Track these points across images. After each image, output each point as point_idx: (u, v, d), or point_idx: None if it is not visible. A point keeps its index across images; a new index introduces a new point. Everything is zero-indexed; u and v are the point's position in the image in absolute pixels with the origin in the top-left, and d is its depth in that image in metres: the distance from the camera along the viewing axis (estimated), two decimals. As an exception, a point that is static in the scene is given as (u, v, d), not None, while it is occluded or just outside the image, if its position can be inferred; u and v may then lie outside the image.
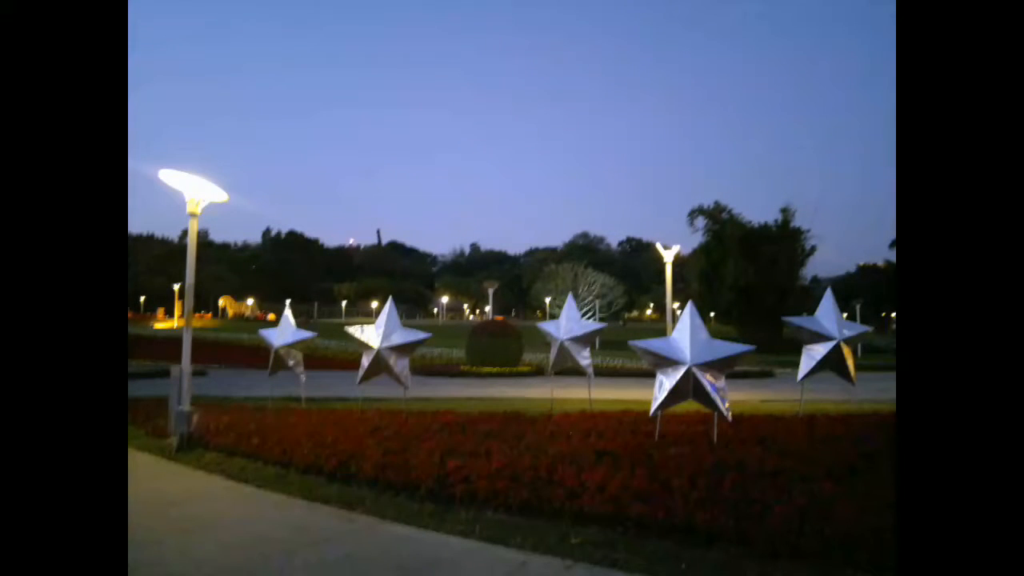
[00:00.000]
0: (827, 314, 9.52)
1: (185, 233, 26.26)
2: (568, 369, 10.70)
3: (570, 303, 10.61)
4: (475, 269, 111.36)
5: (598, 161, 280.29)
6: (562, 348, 9.96)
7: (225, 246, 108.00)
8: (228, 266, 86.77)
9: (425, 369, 19.02)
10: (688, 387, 7.06)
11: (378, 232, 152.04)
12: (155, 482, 6.08)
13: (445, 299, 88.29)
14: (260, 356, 18.66)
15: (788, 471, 5.54)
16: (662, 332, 15.40)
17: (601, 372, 15.68)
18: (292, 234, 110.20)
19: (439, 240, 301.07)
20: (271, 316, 63.84)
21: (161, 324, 54.22)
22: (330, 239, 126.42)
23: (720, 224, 37.35)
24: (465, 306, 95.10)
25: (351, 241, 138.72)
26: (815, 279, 45.94)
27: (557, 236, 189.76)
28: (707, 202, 39.36)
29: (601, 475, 5.29)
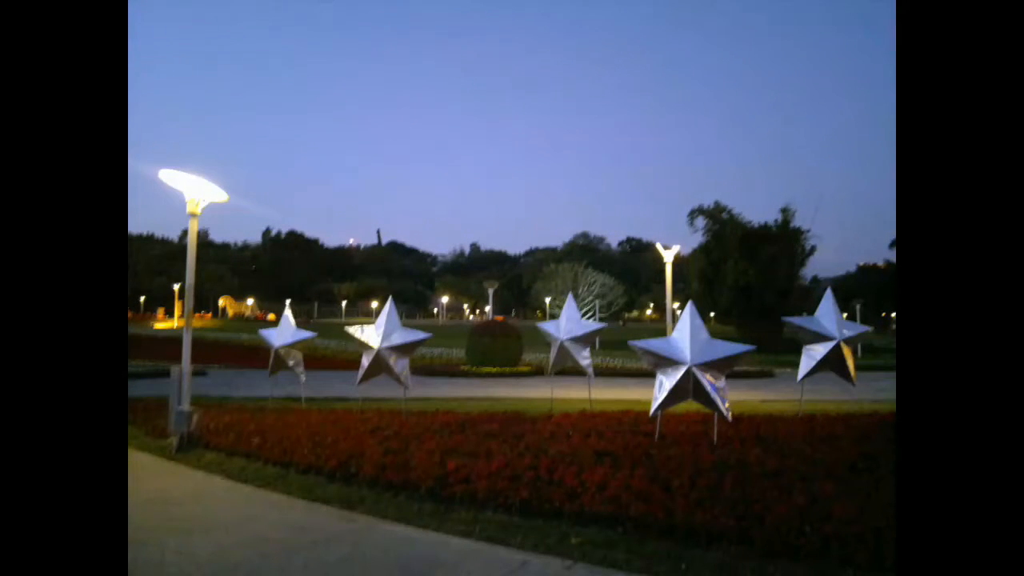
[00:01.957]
0: (827, 314, 9.51)
1: (185, 233, 26.24)
2: (568, 369, 10.70)
3: (570, 303, 10.61)
4: (475, 269, 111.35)
5: (598, 161, 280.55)
6: (562, 348, 9.96)
7: (225, 246, 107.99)
8: (228, 266, 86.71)
9: (425, 369, 18.98)
10: (688, 387, 7.06)
11: (378, 232, 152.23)
12: (155, 482, 6.08)
13: (445, 299, 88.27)
14: (260, 356, 18.65)
15: (788, 471, 5.55)
16: (662, 332, 15.38)
17: (601, 372, 15.66)
18: (292, 234, 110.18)
19: (439, 240, 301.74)
20: (271, 316, 63.82)
21: (161, 324, 54.19)
22: (330, 239, 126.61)
23: (720, 224, 37.22)
24: (465, 306, 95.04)
25: (351, 241, 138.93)
26: (815, 279, 45.85)
27: (557, 236, 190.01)
28: (707, 202, 39.26)
29: (601, 475, 5.29)
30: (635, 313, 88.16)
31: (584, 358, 10.02)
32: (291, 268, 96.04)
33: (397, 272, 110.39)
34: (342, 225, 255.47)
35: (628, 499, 4.74)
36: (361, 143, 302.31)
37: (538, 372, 18.36)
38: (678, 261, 19.74)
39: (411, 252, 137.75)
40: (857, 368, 9.87)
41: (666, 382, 7.17)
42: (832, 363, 9.38)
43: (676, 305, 32.50)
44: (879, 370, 19.51)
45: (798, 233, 34.66)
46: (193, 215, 8.36)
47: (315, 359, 19.66)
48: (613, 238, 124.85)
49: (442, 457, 6.08)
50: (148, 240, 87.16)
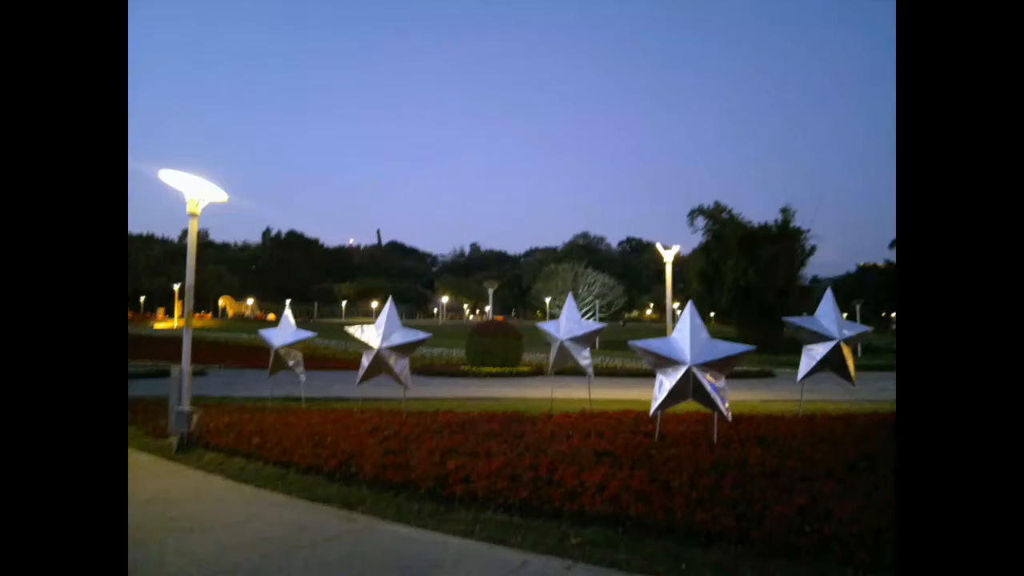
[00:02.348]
0: (827, 314, 9.52)
1: (185, 233, 26.22)
2: (568, 369, 10.70)
3: (570, 303, 10.61)
4: (475, 269, 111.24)
5: (598, 161, 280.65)
6: (562, 348, 9.96)
7: (225, 246, 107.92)
8: (228, 266, 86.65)
9: (425, 369, 18.97)
10: (688, 387, 7.06)
11: (378, 232, 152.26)
12: (155, 482, 6.08)
13: (445, 299, 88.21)
14: (260, 356, 18.64)
15: (788, 471, 5.55)
16: (662, 332, 15.38)
17: (601, 372, 15.65)
18: (292, 234, 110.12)
19: (439, 240, 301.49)
20: (271, 316, 63.79)
21: (161, 324, 54.12)
22: (330, 239, 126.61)
23: (720, 224, 37.23)
24: (465, 306, 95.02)
25: (351, 241, 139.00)
26: (815, 279, 45.85)
27: (557, 236, 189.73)
28: (707, 202, 39.27)
29: (601, 475, 5.30)
30: (635, 313, 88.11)
31: (584, 358, 10.02)
32: (291, 268, 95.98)
33: (397, 272, 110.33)
34: (342, 225, 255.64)
35: (628, 499, 4.74)
36: (361, 143, 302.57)
37: (538, 372, 18.36)
38: (678, 261, 19.73)
39: (411, 252, 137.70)
40: (857, 368, 9.88)
41: (666, 382, 7.17)
42: (832, 363, 9.38)
43: (676, 305, 32.50)
44: (879, 370, 19.51)
45: (798, 233, 34.64)
46: (193, 215, 8.36)
47: (315, 359, 19.66)
48: (613, 238, 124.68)
49: (442, 457, 6.08)
50: (148, 240, 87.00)
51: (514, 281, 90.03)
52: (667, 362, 7.17)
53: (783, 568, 3.76)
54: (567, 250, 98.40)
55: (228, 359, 23.26)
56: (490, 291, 42.52)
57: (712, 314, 37.74)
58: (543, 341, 11.05)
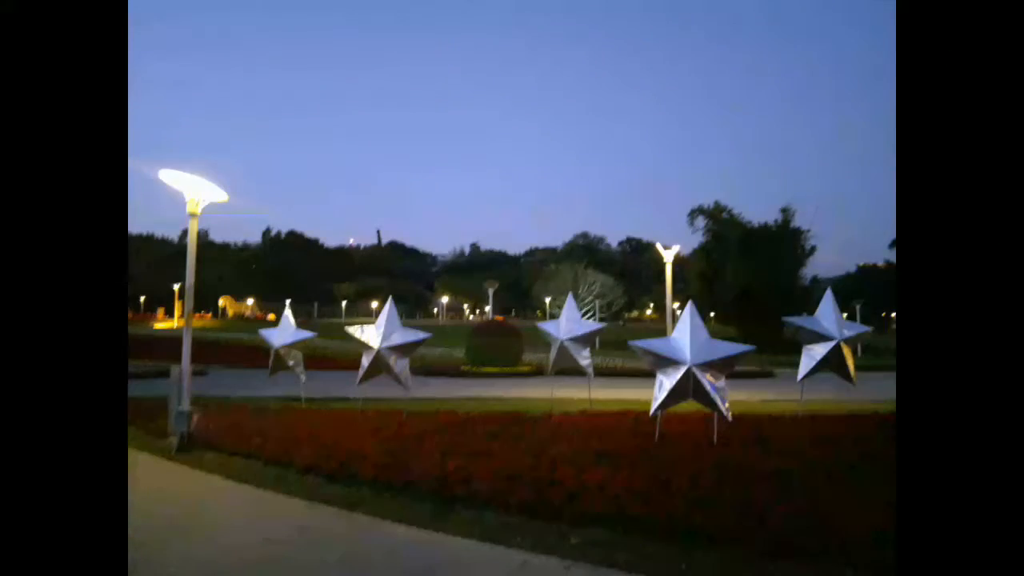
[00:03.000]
0: (827, 314, 9.52)
1: (185, 233, 26.23)
2: (568, 369, 10.70)
3: (570, 303, 10.62)
4: (475, 269, 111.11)
5: (598, 161, 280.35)
6: (562, 348, 9.96)
7: (225, 246, 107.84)
8: (228, 266, 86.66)
9: (425, 369, 18.96)
10: (688, 387, 7.06)
11: (378, 232, 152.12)
12: (155, 482, 6.08)
13: (445, 299, 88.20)
14: (260, 356, 18.63)
15: (788, 471, 5.55)
16: (662, 332, 15.36)
17: (601, 372, 15.64)
18: (292, 234, 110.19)
19: (439, 240, 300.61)
20: (271, 316, 63.81)
21: (161, 324, 54.14)
22: (330, 239, 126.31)
23: (720, 224, 37.32)
24: (465, 306, 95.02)
25: (351, 241, 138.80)
26: (815, 279, 45.85)
27: (557, 236, 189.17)
28: (707, 202, 39.35)
29: (601, 475, 5.30)
30: (635, 313, 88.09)
31: (584, 358, 10.03)
32: (291, 268, 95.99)
33: (397, 272, 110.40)
34: (342, 225, 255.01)
35: (628, 499, 4.74)
36: (362, 143, 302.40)
37: (538, 372, 18.34)
38: (678, 261, 19.73)
39: (411, 252, 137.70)
40: (857, 368, 9.88)
41: (666, 382, 7.17)
42: (832, 363, 9.39)
43: (676, 305, 32.52)
44: (879, 370, 19.48)
45: (798, 233, 34.70)
46: (193, 215, 8.35)
47: (315, 359, 19.61)
48: (613, 238, 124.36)
49: (442, 457, 6.09)
50: (148, 240, 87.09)
51: (514, 281, 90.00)
52: (667, 362, 7.18)
53: (783, 568, 3.76)
54: (567, 250, 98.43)
55: (228, 359, 23.24)
56: (490, 291, 42.55)
57: (712, 314, 37.76)
58: (543, 341, 11.06)
